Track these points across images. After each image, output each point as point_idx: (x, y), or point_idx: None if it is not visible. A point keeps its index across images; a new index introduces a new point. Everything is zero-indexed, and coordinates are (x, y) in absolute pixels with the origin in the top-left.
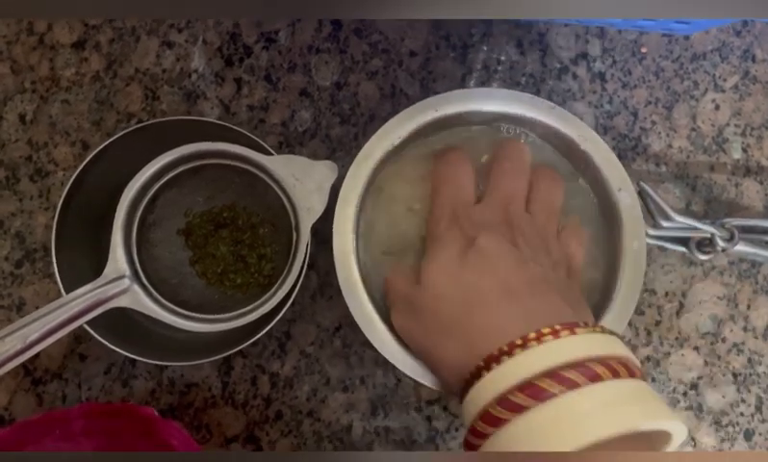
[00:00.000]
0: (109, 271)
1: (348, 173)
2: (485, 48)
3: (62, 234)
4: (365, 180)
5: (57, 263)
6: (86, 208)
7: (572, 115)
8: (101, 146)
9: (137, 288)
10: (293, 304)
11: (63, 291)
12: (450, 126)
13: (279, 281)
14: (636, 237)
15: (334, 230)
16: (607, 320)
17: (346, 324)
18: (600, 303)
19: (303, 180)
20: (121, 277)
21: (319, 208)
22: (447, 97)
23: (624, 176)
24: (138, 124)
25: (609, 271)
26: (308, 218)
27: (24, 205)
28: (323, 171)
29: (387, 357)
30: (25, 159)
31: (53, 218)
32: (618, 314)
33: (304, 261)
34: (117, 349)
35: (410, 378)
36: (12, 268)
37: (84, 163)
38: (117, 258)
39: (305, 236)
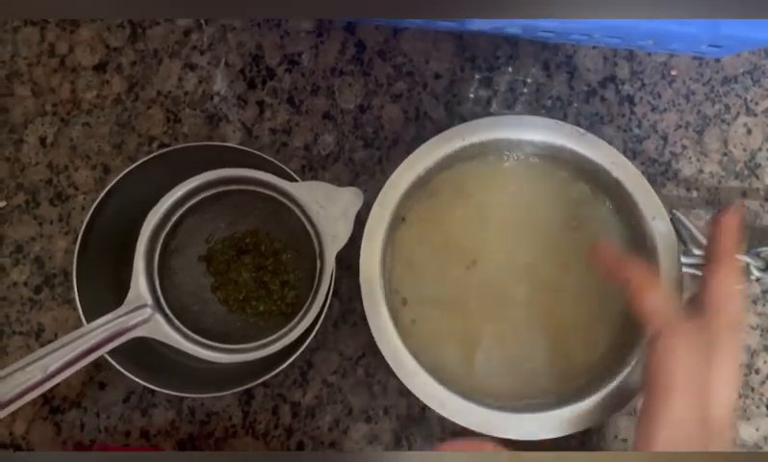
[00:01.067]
0: (131, 299)
1: (375, 203)
2: (510, 70)
3: (82, 259)
4: (391, 210)
5: (78, 289)
6: (107, 234)
7: (602, 140)
8: (123, 172)
9: (159, 317)
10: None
11: (83, 317)
12: (479, 155)
13: (303, 310)
14: (673, 266)
15: (361, 262)
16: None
17: (370, 353)
18: (636, 337)
19: (328, 207)
20: (143, 306)
21: (344, 235)
22: (474, 125)
23: (657, 204)
24: (160, 150)
25: None
26: (333, 245)
27: (44, 229)
28: (348, 198)
29: (410, 388)
30: (45, 182)
31: (73, 242)
32: None
33: (329, 290)
34: (137, 379)
35: (434, 410)
36: (31, 293)
37: (106, 189)
38: (139, 286)
39: (330, 264)
